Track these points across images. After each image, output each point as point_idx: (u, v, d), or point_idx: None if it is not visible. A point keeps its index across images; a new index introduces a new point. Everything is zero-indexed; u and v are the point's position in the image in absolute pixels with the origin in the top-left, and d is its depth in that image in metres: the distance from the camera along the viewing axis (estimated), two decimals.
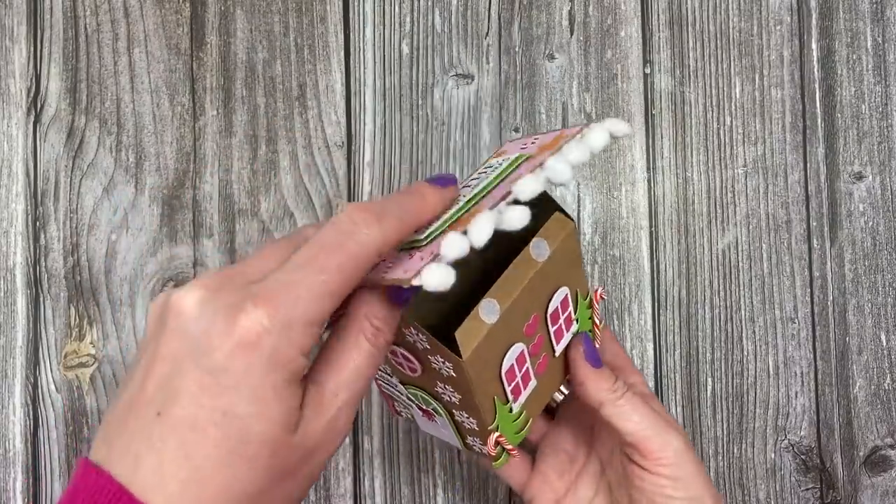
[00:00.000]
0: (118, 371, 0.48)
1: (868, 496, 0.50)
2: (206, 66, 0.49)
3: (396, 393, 0.39)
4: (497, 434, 0.35)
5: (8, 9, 0.48)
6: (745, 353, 0.51)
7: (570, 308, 0.38)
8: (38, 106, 0.48)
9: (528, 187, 0.29)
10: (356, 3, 0.50)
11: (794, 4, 0.52)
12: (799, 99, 0.52)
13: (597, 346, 0.40)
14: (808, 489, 0.50)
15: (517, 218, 0.27)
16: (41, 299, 0.48)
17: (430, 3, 0.50)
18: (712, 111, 0.51)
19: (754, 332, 0.51)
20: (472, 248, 0.27)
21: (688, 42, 0.51)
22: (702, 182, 0.51)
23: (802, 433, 0.51)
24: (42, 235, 0.48)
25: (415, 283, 0.27)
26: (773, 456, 0.50)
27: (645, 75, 0.51)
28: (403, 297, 0.30)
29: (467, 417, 0.36)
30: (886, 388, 0.51)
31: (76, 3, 0.48)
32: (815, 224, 0.51)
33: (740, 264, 0.51)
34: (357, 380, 0.29)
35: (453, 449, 0.50)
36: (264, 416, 0.26)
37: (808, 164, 0.52)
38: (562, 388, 0.44)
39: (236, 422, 0.25)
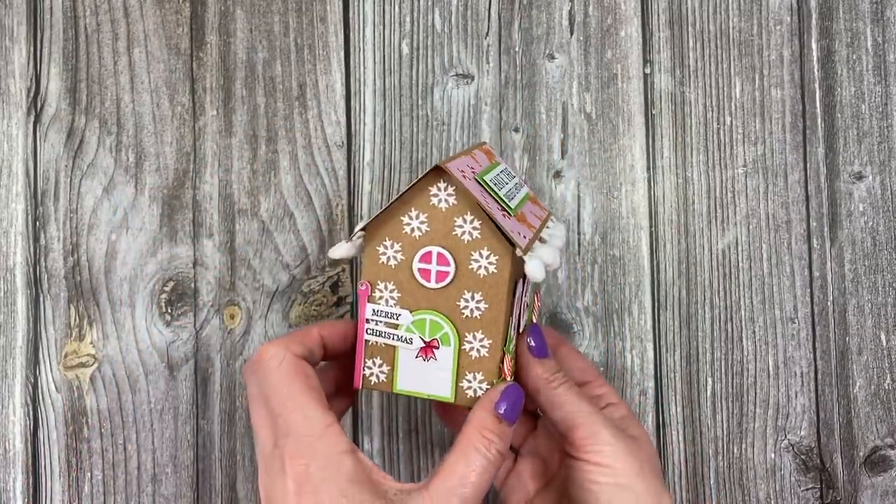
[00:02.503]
0: (118, 371, 0.48)
1: (868, 496, 0.51)
2: (205, 65, 0.49)
3: (385, 339, 0.38)
4: (509, 357, 0.37)
5: (8, 9, 0.48)
6: (745, 352, 0.51)
7: (528, 296, 0.41)
8: (38, 106, 0.48)
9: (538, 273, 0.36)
10: (356, 3, 0.50)
11: (794, 4, 0.52)
12: (799, 99, 0.52)
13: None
14: (808, 489, 0.50)
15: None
16: (41, 299, 0.48)
17: (430, 3, 0.50)
18: (712, 111, 0.51)
19: (754, 332, 0.51)
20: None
21: (688, 42, 0.51)
22: (702, 182, 0.51)
23: (802, 433, 0.51)
24: (42, 235, 0.48)
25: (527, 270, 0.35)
26: (772, 456, 0.50)
27: (645, 75, 0.51)
28: (509, 410, 0.35)
29: (481, 340, 0.37)
30: (886, 388, 0.51)
31: (76, 3, 0.48)
32: (815, 224, 0.51)
33: (740, 264, 0.51)
34: (464, 485, 0.33)
35: None
36: None
37: (808, 164, 0.52)
38: None
39: None
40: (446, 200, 0.37)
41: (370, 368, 0.39)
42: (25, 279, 0.48)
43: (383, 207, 0.38)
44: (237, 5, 0.49)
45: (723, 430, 0.50)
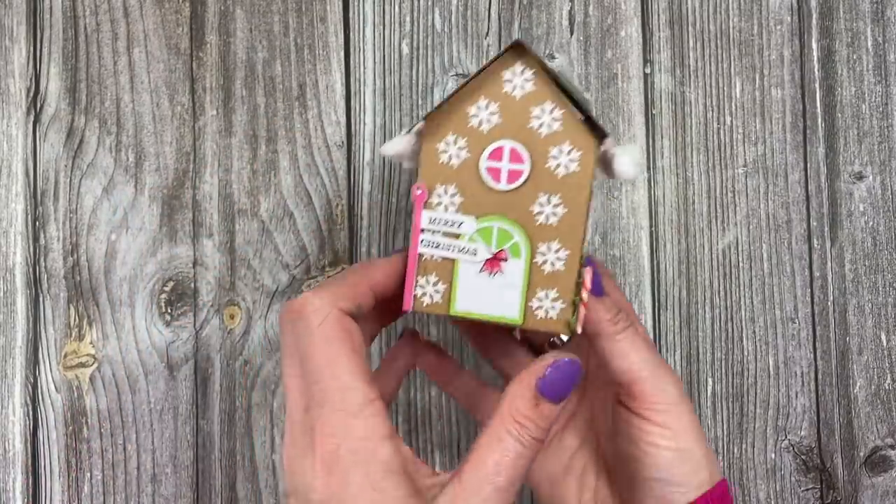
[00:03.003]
0: (118, 371, 0.48)
1: (868, 496, 0.50)
2: (205, 65, 0.49)
3: (444, 251, 0.33)
4: (589, 267, 0.32)
5: (7, 8, 0.48)
6: (746, 353, 0.51)
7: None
8: (38, 106, 0.48)
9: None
10: (356, 3, 0.50)
11: (794, 4, 0.52)
12: (799, 99, 0.52)
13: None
14: (808, 489, 0.50)
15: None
16: (41, 299, 0.48)
17: (430, 3, 0.50)
18: (712, 111, 0.51)
19: (754, 332, 0.51)
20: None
21: (688, 42, 0.51)
22: (702, 182, 0.51)
23: (803, 433, 0.51)
24: (42, 235, 0.48)
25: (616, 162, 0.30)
26: (773, 456, 0.50)
27: (645, 75, 0.51)
28: (557, 393, 0.30)
29: (556, 251, 0.32)
30: (887, 388, 0.51)
31: (76, 2, 0.48)
32: (815, 224, 0.51)
33: (740, 264, 0.51)
34: (498, 473, 0.29)
35: (455, 450, 0.50)
36: None
37: (809, 164, 0.52)
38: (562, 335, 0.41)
39: None
40: (522, 87, 0.32)
41: (423, 288, 0.34)
42: (25, 279, 0.47)
43: (446, 96, 0.33)
44: (237, 5, 0.49)
45: (723, 430, 0.50)
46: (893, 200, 0.52)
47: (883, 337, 0.51)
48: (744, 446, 0.50)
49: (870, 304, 0.51)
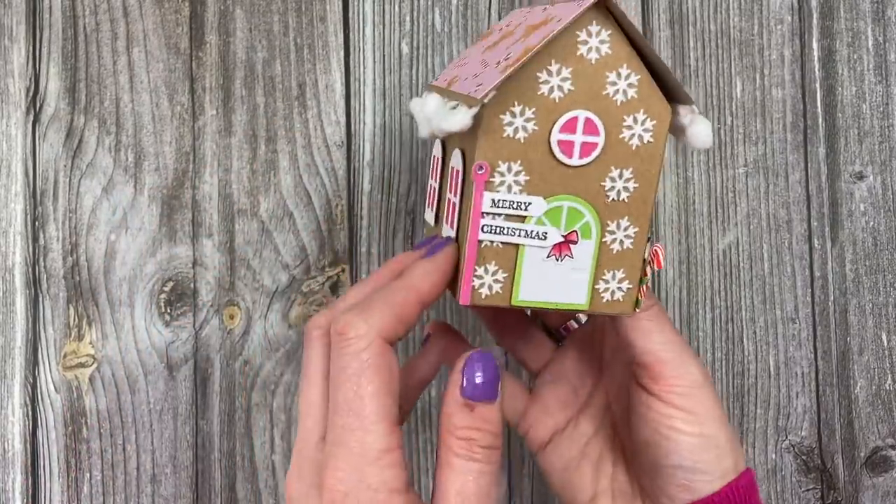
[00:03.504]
0: (117, 371, 0.47)
1: (869, 497, 0.50)
2: (205, 65, 0.49)
3: (508, 236, 0.30)
4: (658, 245, 0.30)
5: (7, 8, 0.48)
6: (746, 353, 0.51)
7: None
8: (37, 105, 0.48)
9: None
10: (356, 3, 0.50)
11: (794, 4, 0.52)
12: (800, 98, 0.52)
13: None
14: (808, 490, 0.50)
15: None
16: (40, 299, 0.47)
17: (430, 3, 0.50)
18: (713, 111, 0.51)
19: (755, 332, 0.51)
20: None
21: (688, 41, 0.51)
22: (702, 182, 0.51)
23: (803, 433, 0.51)
24: (41, 235, 0.48)
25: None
26: (773, 456, 0.50)
27: None
28: (479, 393, 0.28)
29: (626, 229, 0.30)
30: (887, 388, 0.51)
31: (75, 2, 0.48)
32: (815, 224, 0.51)
33: (741, 264, 0.51)
34: (464, 500, 0.28)
35: None
36: None
37: (809, 164, 0.52)
38: (580, 315, 0.39)
39: None
40: (597, 49, 0.28)
41: (481, 279, 0.30)
42: (24, 279, 0.47)
43: (519, 61, 0.28)
44: (237, 5, 0.49)
45: None
46: (894, 200, 0.52)
47: (884, 337, 0.51)
48: (744, 446, 0.50)
49: (870, 305, 0.51)
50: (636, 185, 0.29)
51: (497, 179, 0.29)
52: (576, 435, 0.38)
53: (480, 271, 0.30)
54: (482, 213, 0.29)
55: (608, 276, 0.30)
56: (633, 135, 0.29)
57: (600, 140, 0.29)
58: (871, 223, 0.51)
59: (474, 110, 0.28)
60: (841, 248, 0.51)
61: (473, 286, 0.30)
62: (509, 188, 0.29)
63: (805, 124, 0.52)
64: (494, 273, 0.30)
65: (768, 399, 0.51)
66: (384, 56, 0.50)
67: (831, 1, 0.52)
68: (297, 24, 0.49)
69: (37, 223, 0.48)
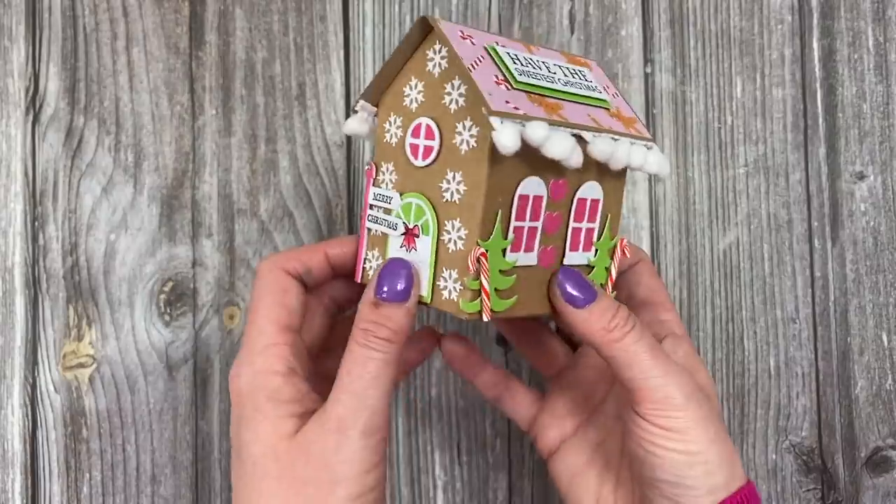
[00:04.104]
0: (117, 371, 0.47)
1: (869, 497, 0.50)
2: (205, 65, 0.49)
3: (381, 226, 0.34)
4: (482, 250, 0.30)
5: (6, 8, 0.48)
6: (747, 353, 0.51)
7: (596, 224, 0.35)
8: (37, 105, 0.48)
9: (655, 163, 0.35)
10: (356, 2, 0.50)
11: (795, 3, 0.52)
12: (800, 98, 0.52)
13: (602, 288, 0.35)
14: (809, 490, 0.50)
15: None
16: (40, 299, 0.47)
17: (430, 3, 0.50)
18: (713, 111, 0.51)
19: (755, 332, 0.51)
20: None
21: (689, 41, 0.51)
22: (703, 182, 0.51)
23: (804, 434, 0.50)
24: (41, 235, 0.48)
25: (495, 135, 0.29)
26: (774, 457, 0.50)
27: (646, 74, 0.51)
28: (389, 291, 0.32)
29: (458, 230, 0.31)
30: (888, 388, 0.51)
31: (75, 2, 0.48)
32: (816, 224, 0.51)
33: (741, 264, 0.51)
34: (352, 380, 0.31)
35: (455, 450, 0.49)
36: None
37: (810, 164, 0.52)
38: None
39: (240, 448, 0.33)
40: (440, 64, 0.32)
41: (369, 262, 0.35)
42: (24, 279, 0.47)
43: (375, 76, 0.35)
44: (236, 4, 0.49)
45: None
46: (894, 200, 0.52)
47: (884, 337, 0.51)
48: (745, 447, 0.50)
49: (871, 305, 0.51)
50: (465, 189, 0.31)
51: (380, 177, 0.35)
52: (583, 442, 0.38)
53: (369, 255, 0.35)
54: (369, 204, 0.35)
55: (445, 274, 0.32)
56: (462, 140, 0.31)
57: (435, 144, 0.32)
58: (872, 223, 0.51)
59: (361, 115, 0.35)
60: (841, 248, 0.51)
61: (364, 268, 0.35)
62: (386, 185, 0.34)
63: (805, 124, 0.52)
64: (377, 258, 0.35)
65: (769, 399, 0.50)
66: (384, 56, 0.50)
67: (832, 1, 0.52)
68: (297, 23, 0.49)
69: (36, 223, 0.48)
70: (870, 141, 0.52)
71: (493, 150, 0.29)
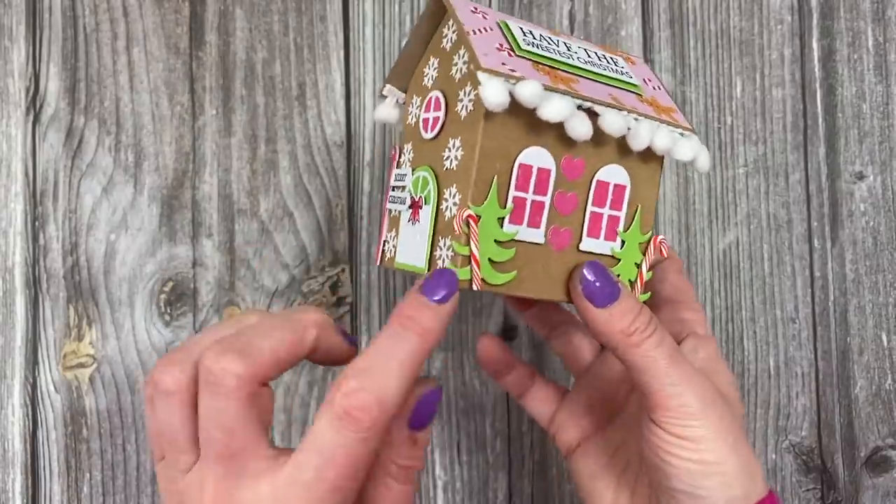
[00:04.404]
0: (117, 371, 0.47)
1: (869, 497, 0.50)
2: (205, 65, 0.49)
3: (397, 204, 0.33)
4: (469, 212, 0.29)
5: (7, 8, 0.48)
6: (746, 353, 0.51)
7: (622, 212, 0.33)
8: (37, 105, 0.48)
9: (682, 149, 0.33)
10: (356, 2, 0.50)
11: (794, 4, 0.52)
12: (800, 98, 0.52)
13: (631, 289, 0.33)
14: (808, 490, 0.50)
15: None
16: (40, 299, 0.47)
17: None
18: (713, 111, 0.51)
19: (755, 332, 0.51)
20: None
21: (688, 41, 0.51)
22: (703, 182, 0.51)
23: (803, 434, 0.50)
24: (41, 235, 0.48)
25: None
26: (773, 456, 0.50)
27: None
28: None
29: (454, 196, 0.30)
30: (887, 388, 0.51)
31: (75, 2, 0.48)
32: (816, 224, 0.51)
33: (741, 264, 0.51)
34: (382, 355, 0.27)
35: (455, 451, 0.49)
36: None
37: (809, 164, 0.52)
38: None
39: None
40: (451, 39, 0.32)
41: (387, 243, 0.34)
42: (24, 279, 0.47)
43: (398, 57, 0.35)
44: (236, 4, 0.49)
45: None
46: (894, 200, 0.52)
47: (884, 337, 0.51)
48: None
49: (870, 305, 0.51)
50: (462, 154, 0.30)
51: (402, 158, 0.34)
52: (603, 443, 0.37)
53: (388, 237, 0.34)
54: (391, 186, 0.34)
55: (441, 242, 0.31)
56: (462, 106, 0.31)
57: (441, 114, 0.32)
58: (872, 223, 0.51)
59: (389, 101, 0.36)
60: (841, 248, 0.51)
61: (383, 250, 0.34)
62: (405, 165, 0.34)
63: (805, 124, 0.52)
64: (393, 239, 0.34)
65: (768, 399, 0.51)
66: (384, 56, 0.50)
67: (831, 1, 0.52)
68: (297, 23, 0.49)
69: (37, 223, 0.48)
70: (869, 141, 0.52)
71: (488, 111, 0.29)
